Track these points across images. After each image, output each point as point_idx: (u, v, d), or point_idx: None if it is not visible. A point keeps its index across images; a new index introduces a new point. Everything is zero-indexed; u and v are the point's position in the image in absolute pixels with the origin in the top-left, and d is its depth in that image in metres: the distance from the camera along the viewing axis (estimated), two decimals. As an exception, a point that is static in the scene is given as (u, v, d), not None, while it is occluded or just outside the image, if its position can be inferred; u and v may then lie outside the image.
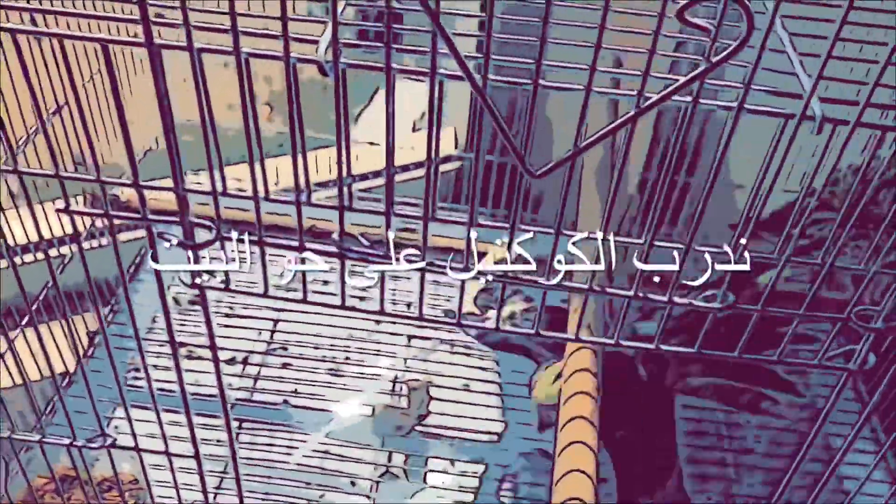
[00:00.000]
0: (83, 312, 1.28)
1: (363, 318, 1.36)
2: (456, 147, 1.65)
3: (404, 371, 1.29)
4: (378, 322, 1.37)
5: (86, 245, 1.17)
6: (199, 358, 1.29)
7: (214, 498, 1.11)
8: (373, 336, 1.34)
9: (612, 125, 0.44)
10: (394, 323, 1.36)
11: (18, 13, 0.50)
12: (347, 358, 1.31)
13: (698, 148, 1.35)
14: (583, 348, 0.87)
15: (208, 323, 0.59)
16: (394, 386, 1.26)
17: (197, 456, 0.70)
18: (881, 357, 1.24)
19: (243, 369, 1.27)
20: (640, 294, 0.52)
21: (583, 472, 0.77)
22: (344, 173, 0.51)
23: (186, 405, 0.69)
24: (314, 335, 1.33)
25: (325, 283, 0.63)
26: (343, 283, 0.56)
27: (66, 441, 0.70)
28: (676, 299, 0.52)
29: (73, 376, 1.18)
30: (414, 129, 1.57)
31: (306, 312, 1.36)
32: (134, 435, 0.70)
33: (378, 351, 1.32)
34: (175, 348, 0.70)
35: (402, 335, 1.34)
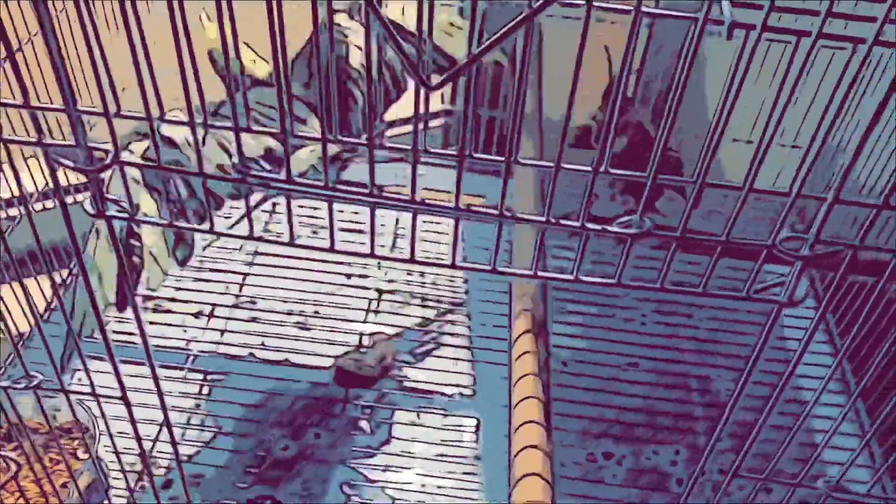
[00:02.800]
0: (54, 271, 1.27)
1: (334, 273, 1.35)
2: (443, 101, 1.62)
3: (373, 324, 1.27)
4: (349, 276, 1.35)
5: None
6: (168, 311, 1.28)
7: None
8: (342, 290, 1.32)
9: (506, 28, 0.41)
10: (363, 277, 1.34)
11: None
12: (316, 312, 1.29)
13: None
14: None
15: (118, 252, 0.57)
16: (360, 339, 1.24)
17: (125, 397, 0.68)
18: (854, 299, 1.20)
19: (208, 322, 1.25)
20: (553, 220, 0.50)
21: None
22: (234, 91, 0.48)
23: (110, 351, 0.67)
24: (283, 289, 1.31)
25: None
26: (249, 211, 0.54)
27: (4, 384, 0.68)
28: (589, 225, 0.50)
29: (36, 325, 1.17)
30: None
31: (276, 267, 1.34)
32: (59, 376, 0.69)
33: (347, 305, 1.30)
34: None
35: (370, 289, 1.32)
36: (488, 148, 1.57)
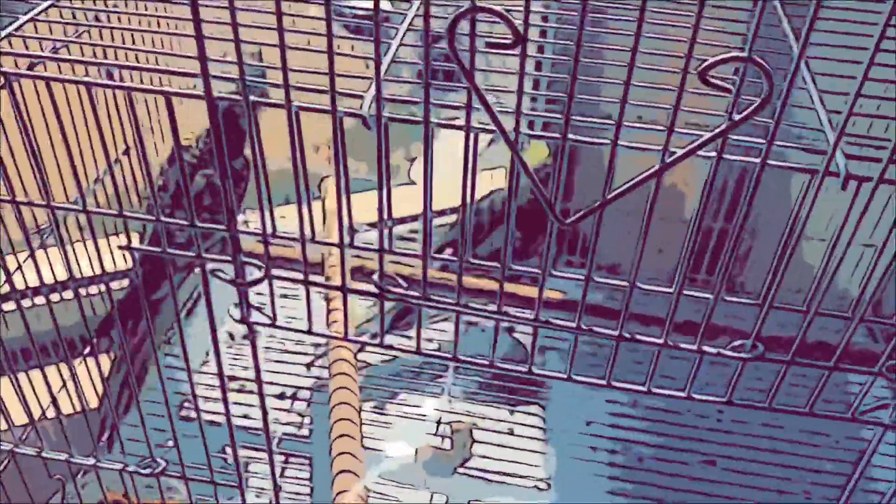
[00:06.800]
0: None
1: (408, 357, 1.39)
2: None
3: (448, 412, 1.30)
4: (422, 364, 1.39)
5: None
6: (251, 392, 1.33)
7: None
8: (419, 377, 1.36)
9: (638, 178, 0.46)
10: (438, 363, 1.38)
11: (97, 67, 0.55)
12: (392, 397, 1.32)
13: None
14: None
15: (255, 357, 0.62)
16: (437, 427, 1.27)
17: (240, 484, 0.72)
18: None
19: (292, 404, 1.30)
20: (670, 343, 0.53)
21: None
22: (385, 217, 0.54)
23: (232, 435, 0.72)
24: (360, 373, 1.35)
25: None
26: (382, 319, 0.59)
27: (119, 466, 0.73)
28: (706, 348, 0.53)
29: (129, 406, 1.23)
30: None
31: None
32: (182, 463, 0.73)
33: (422, 391, 1.33)
34: (223, 381, 0.72)
35: (445, 377, 1.36)
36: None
